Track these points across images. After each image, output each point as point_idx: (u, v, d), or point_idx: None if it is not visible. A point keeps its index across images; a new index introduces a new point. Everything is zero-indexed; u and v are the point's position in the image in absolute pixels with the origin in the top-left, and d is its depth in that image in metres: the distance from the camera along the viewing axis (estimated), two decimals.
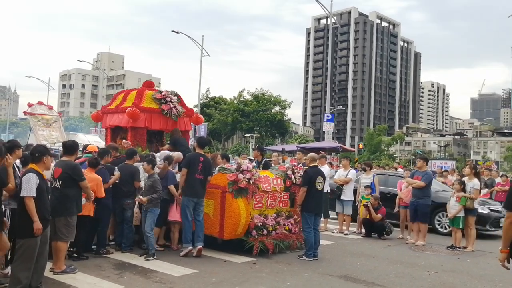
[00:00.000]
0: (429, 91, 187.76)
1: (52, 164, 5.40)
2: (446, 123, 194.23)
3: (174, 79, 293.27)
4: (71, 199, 5.53)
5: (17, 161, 5.48)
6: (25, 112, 18.01)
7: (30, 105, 17.46)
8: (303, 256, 6.99)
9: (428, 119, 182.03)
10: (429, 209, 8.86)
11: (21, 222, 4.59)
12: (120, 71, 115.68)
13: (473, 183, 8.50)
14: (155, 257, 6.39)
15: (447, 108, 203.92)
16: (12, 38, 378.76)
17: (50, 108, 18.68)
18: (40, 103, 18.01)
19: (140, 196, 6.55)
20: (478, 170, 9.28)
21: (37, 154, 4.82)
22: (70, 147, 5.90)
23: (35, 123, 16.99)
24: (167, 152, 7.90)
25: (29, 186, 4.53)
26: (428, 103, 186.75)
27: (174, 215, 7.11)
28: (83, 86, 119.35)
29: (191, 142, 12.14)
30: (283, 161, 10.73)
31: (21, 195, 4.56)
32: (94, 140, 19.79)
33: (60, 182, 5.50)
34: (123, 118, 8.63)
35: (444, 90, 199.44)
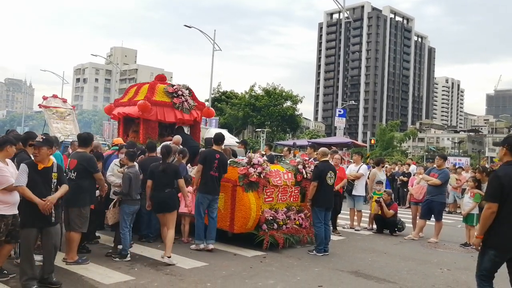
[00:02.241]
0: (443, 86, 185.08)
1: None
2: (460, 119, 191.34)
3: (186, 73, 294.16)
4: (85, 190, 5.57)
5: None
6: (40, 105, 18.20)
7: (44, 98, 17.68)
8: (314, 251, 6.96)
9: (442, 115, 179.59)
10: (444, 207, 8.79)
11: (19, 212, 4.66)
12: (132, 66, 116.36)
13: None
14: (128, 259, 5.93)
15: (462, 104, 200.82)
16: (28, 33, 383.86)
17: (64, 101, 18.85)
18: (54, 96, 18.21)
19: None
20: (489, 171, 9.20)
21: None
22: (85, 139, 5.95)
23: (49, 116, 17.19)
24: (167, 143, 7.94)
25: (19, 176, 4.53)
26: (442, 99, 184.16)
27: (182, 207, 7.13)
28: (96, 80, 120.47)
29: (202, 135, 12.19)
30: (294, 156, 10.68)
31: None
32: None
33: (75, 173, 5.56)
34: (134, 109, 8.69)
35: (458, 85, 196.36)
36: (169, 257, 5.83)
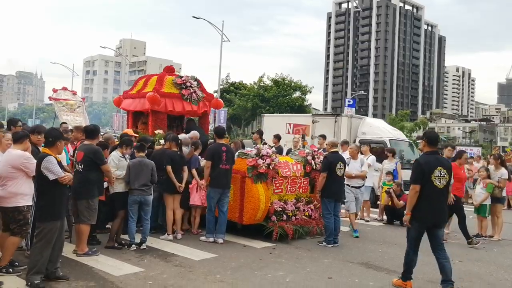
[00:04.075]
0: (453, 75, 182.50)
1: None
2: (471, 108, 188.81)
3: (194, 65, 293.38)
4: (92, 182, 5.58)
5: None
6: (50, 98, 18.33)
7: (54, 90, 17.77)
8: (323, 243, 6.93)
9: (453, 105, 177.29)
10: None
11: (42, 205, 4.60)
12: (142, 57, 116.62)
13: (500, 173, 8.30)
14: (133, 248, 6.06)
15: (473, 93, 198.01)
16: (37, 26, 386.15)
17: (74, 93, 18.91)
18: (64, 88, 18.28)
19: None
20: (503, 159, 9.10)
21: (51, 138, 4.73)
22: (91, 131, 5.95)
23: (59, 108, 17.28)
24: (183, 135, 7.93)
25: (56, 168, 4.53)
26: (453, 88, 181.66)
27: (196, 199, 7.14)
28: (106, 72, 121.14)
29: (211, 127, 12.14)
30: (303, 146, 10.61)
31: (51, 179, 4.50)
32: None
33: (82, 165, 5.56)
34: (144, 102, 8.67)
35: (469, 74, 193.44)
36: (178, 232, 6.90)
